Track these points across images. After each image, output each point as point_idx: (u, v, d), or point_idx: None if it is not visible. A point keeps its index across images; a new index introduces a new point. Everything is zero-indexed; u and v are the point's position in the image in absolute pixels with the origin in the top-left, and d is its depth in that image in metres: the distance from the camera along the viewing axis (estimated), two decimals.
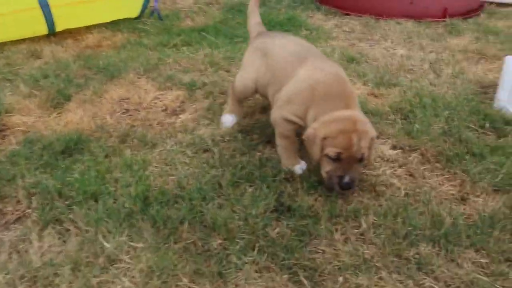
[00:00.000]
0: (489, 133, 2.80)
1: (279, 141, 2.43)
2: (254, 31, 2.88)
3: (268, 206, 2.12)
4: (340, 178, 2.14)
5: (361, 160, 2.16)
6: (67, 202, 2.16)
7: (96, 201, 2.17)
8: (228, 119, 2.81)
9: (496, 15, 5.19)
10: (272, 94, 2.50)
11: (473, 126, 2.85)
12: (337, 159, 2.13)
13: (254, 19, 2.93)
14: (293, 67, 2.41)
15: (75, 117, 2.88)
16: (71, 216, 2.08)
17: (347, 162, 2.14)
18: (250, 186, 2.27)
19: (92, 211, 2.10)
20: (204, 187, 2.24)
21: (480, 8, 5.30)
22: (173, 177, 2.35)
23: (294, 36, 2.90)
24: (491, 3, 5.58)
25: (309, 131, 2.20)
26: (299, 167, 2.40)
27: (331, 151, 2.12)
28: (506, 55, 3.95)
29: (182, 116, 2.93)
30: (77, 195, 2.19)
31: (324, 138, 2.13)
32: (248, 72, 2.67)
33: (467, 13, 5.08)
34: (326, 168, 2.19)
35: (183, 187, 2.25)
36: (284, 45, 2.59)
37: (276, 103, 2.43)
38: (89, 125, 2.82)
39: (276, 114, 2.41)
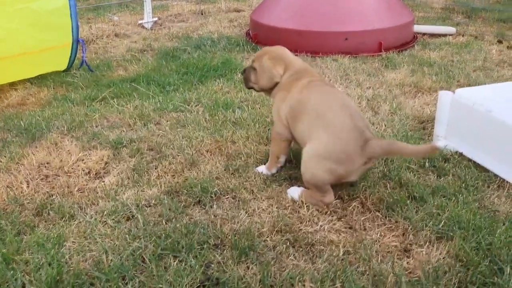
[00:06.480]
0: (430, 173, 2.71)
1: None
2: None
3: (194, 281, 1.91)
4: None
5: None
6: None
7: None
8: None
9: (429, 46, 5.25)
10: None
11: (413, 166, 2.75)
12: None
13: None
14: None
15: None
16: None
17: None
18: (175, 257, 2.04)
19: None
20: (125, 263, 2.01)
21: (413, 40, 5.36)
22: (91, 253, 2.11)
23: None
24: (423, 34, 5.67)
25: None
26: None
27: None
28: (442, 87, 3.97)
29: (106, 179, 2.70)
30: None
31: None
32: None
33: (402, 46, 5.12)
34: None
35: (102, 265, 2.01)
36: None
37: None
38: (1, 197, 2.55)
39: None
